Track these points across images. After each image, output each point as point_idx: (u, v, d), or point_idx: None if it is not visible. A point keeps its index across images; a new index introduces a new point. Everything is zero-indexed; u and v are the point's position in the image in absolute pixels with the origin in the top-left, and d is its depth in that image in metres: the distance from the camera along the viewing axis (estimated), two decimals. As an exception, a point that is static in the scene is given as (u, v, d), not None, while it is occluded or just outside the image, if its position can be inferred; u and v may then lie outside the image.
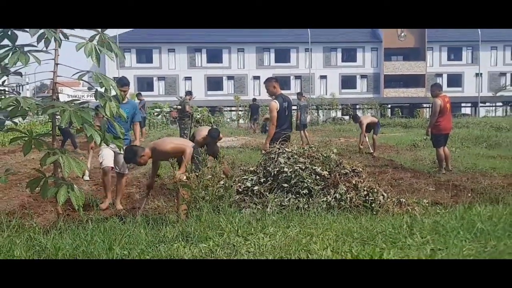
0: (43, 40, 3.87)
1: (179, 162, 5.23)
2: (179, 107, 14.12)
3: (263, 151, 6.07)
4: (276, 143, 5.86)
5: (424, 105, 44.37)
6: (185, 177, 4.87)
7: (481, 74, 47.83)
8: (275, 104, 6.40)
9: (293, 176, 5.06)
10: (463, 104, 47.56)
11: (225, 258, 3.20)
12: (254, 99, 24.88)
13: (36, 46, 3.95)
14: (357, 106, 40.90)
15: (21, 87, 48.61)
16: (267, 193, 4.99)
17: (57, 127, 4.32)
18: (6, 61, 3.88)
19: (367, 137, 12.31)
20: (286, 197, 4.91)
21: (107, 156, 5.63)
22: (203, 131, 7.29)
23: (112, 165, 5.79)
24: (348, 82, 48.70)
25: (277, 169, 5.20)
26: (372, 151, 11.72)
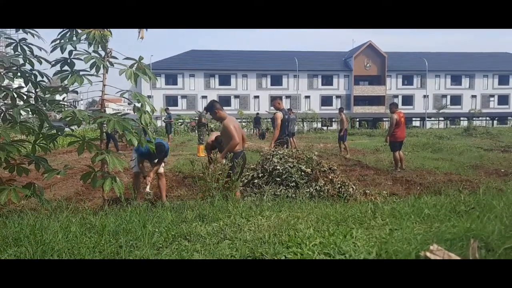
0: (95, 67, 3.89)
1: (220, 150, 5.12)
2: (197, 118, 14.15)
3: (267, 149, 6.12)
4: (280, 145, 6.00)
5: (384, 119, 44.38)
6: (224, 161, 4.60)
7: (427, 95, 47.94)
8: (280, 115, 6.65)
9: (284, 172, 5.06)
10: (413, 119, 47.57)
11: (232, 235, 3.19)
12: (258, 113, 25.62)
13: (89, 71, 3.96)
14: (333, 119, 40.88)
15: (76, 103, 48.63)
16: (264, 185, 5.00)
17: (104, 132, 4.32)
18: (66, 82, 3.89)
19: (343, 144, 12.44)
20: (279, 189, 4.91)
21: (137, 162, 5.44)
22: (213, 135, 7.30)
23: (139, 170, 5.46)
24: (326, 101, 48.70)
25: (272, 167, 5.21)
26: (347, 154, 11.77)
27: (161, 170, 5.55)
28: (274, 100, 7.16)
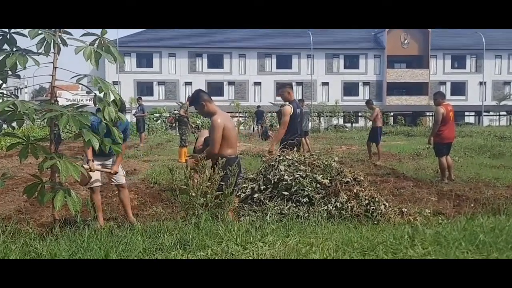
0: (43, 45, 3.89)
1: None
2: (176, 111, 14.08)
3: (266, 155, 6.11)
4: (286, 149, 5.91)
5: (427, 114, 44.46)
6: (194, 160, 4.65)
7: (485, 82, 47.99)
8: (289, 109, 6.58)
9: (293, 184, 5.06)
10: (466, 113, 47.64)
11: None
12: (259, 106, 26.17)
13: (36, 52, 3.96)
14: (359, 114, 40.95)
15: (19, 91, 48.65)
16: (267, 201, 4.99)
17: (54, 131, 4.33)
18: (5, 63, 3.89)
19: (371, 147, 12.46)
20: (286, 205, 4.91)
21: (97, 173, 5.44)
22: (203, 136, 7.29)
23: (100, 184, 5.55)
24: (350, 89, 48.79)
25: (277, 176, 5.20)
26: (378, 160, 11.80)
27: (122, 180, 5.54)
28: (283, 89, 7.02)
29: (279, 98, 7.11)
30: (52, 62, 4.18)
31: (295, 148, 6.66)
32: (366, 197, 5.03)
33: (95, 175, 5.35)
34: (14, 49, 3.98)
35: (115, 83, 40.43)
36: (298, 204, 4.93)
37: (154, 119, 31.76)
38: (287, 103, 6.83)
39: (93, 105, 4.22)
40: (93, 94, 4.20)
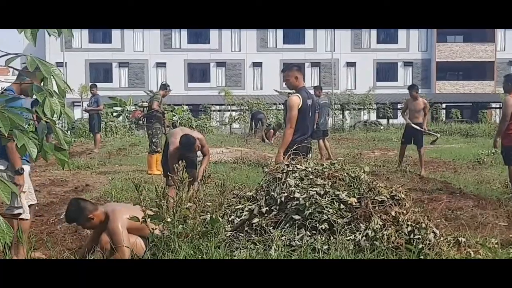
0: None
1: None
2: (145, 103, 13.95)
3: (269, 164, 6.10)
4: (298, 154, 5.89)
5: (493, 105, 44.45)
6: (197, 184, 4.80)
7: None
8: (297, 99, 6.51)
9: (307, 204, 5.06)
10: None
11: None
12: (255, 110, 26.86)
13: None
14: (399, 106, 40.98)
15: None
16: (271, 228, 4.99)
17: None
18: None
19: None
20: (298, 234, 4.91)
21: (32, 192, 5.30)
22: (177, 135, 7.30)
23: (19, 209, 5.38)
24: (385, 71, 48.85)
25: (285, 194, 5.20)
26: (421, 170, 11.78)
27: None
28: (288, 71, 6.90)
29: (285, 85, 7.05)
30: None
31: (310, 155, 6.66)
32: (409, 222, 5.03)
33: (31, 190, 5.32)
34: None
35: (59, 64, 40.55)
36: (314, 232, 4.93)
37: (114, 114, 31.75)
38: (293, 91, 6.78)
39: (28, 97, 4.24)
40: (29, 81, 4.21)
